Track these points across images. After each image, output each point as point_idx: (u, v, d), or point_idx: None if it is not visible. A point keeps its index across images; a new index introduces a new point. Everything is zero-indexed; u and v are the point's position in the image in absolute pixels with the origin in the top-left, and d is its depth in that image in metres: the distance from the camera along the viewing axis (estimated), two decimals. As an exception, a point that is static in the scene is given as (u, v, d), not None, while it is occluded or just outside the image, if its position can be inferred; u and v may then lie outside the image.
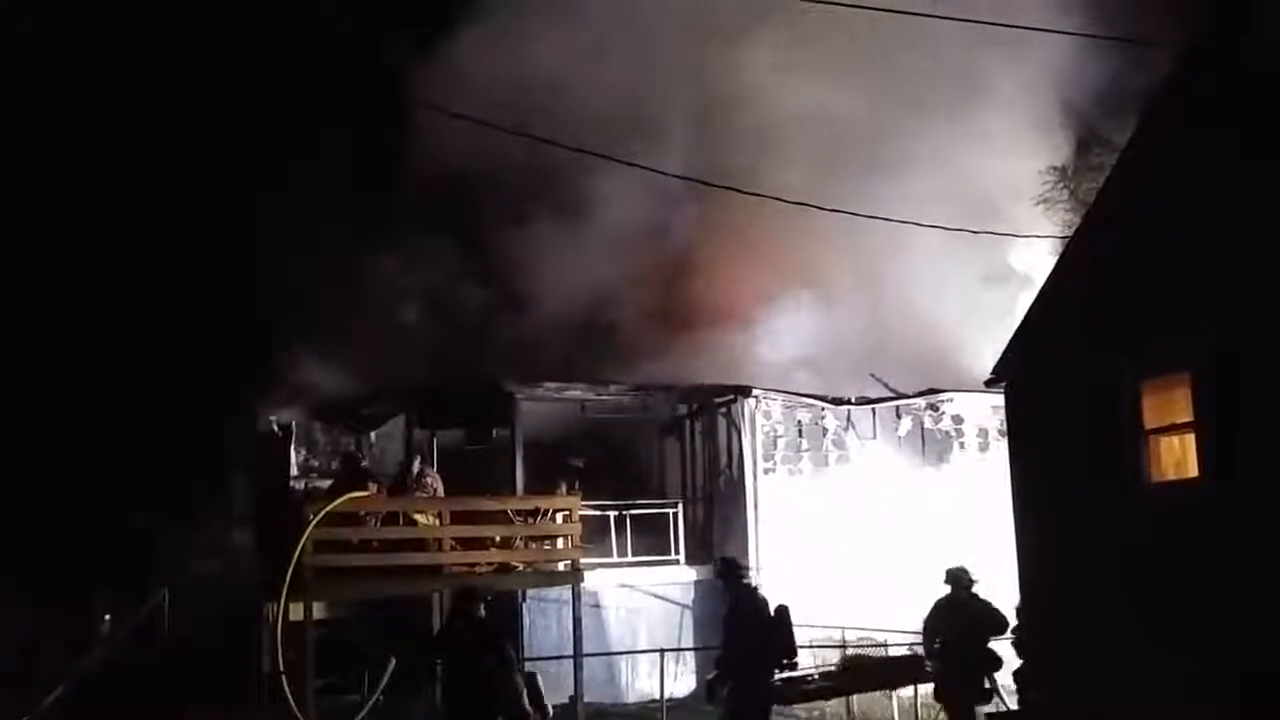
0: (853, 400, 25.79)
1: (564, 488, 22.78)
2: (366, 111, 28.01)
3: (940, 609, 16.92)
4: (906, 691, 20.20)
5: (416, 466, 21.78)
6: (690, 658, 23.60)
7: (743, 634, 15.20)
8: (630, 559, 24.30)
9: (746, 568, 16.66)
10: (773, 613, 15.40)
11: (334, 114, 28.03)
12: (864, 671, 21.18)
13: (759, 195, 20.70)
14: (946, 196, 24.36)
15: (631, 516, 24.55)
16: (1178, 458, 14.89)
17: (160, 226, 27.39)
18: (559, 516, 21.74)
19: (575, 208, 27.65)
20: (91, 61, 27.57)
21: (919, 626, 17.82)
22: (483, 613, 14.70)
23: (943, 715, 18.17)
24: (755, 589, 15.99)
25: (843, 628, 22.80)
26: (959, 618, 16.70)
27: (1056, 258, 16.98)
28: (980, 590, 16.98)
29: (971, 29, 17.75)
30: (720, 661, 15.48)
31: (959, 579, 16.93)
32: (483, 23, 28.63)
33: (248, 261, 27.10)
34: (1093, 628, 15.35)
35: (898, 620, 20.96)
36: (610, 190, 26.13)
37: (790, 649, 15.43)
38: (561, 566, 21.64)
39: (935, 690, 17.20)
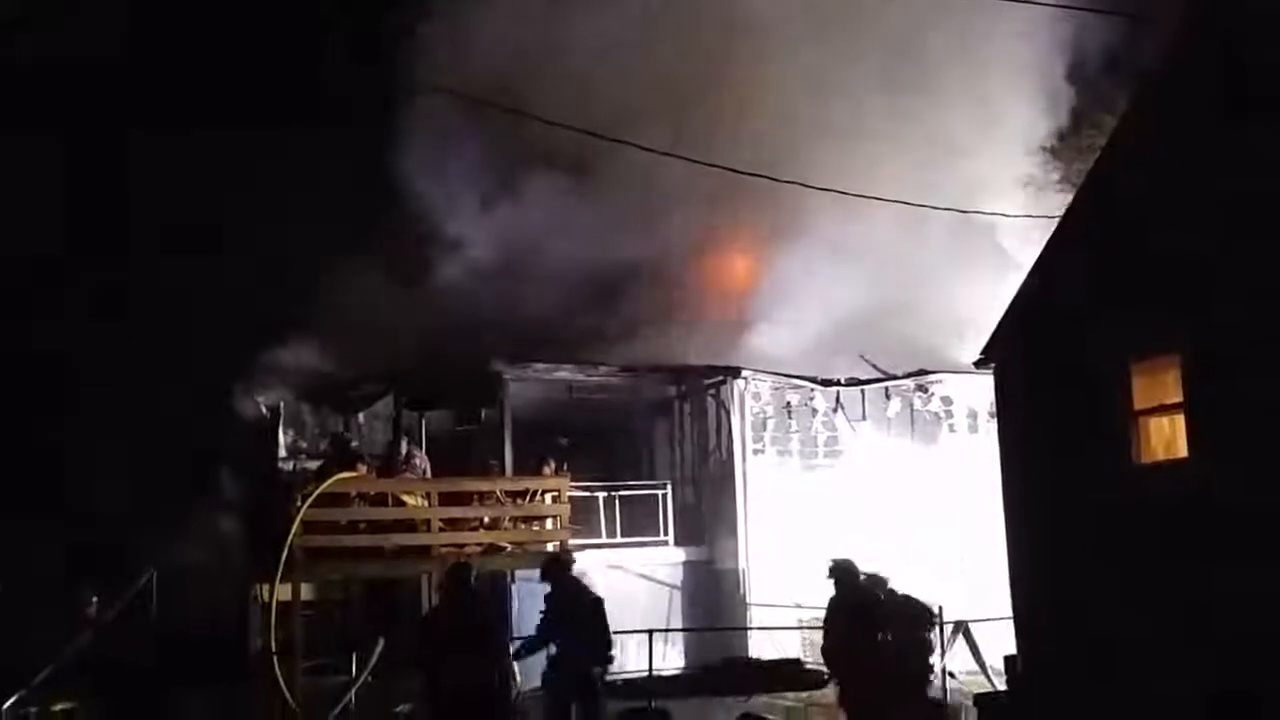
0: (842, 381, 25.73)
1: (550, 467, 22.81)
2: (356, 90, 27.98)
3: (839, 608, 15.34)
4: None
5: (404, 448, 21.79)
6: (679, 638, 23.63)
7: (562, 627, 15.18)
8: (619, 540, 24.32)
9: (572, 562, 16.54)
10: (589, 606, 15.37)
11: (323, 92, 28.01)
12: (731, 674, 21.28)
13: (747, 174, 20.72)
14: (936, 177, 24.39)
15: (620, 497, 24.58)
16: (1167, 438, 14.92)
17: (149, 207, 27.37)
18: (548, 497, 21.76)
19: (567, 188, 27.61)
20: (81, 51, 27.53)
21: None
22: (473, 591, 14.65)
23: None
24: (579, 581, 15.94)
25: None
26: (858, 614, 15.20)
27: (1046, 239, 16.94)
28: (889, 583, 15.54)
29: (966, 7, 17.73)
30: (528, 648, 15.41)
31: (848, 571, 15.39)
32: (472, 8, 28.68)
33: (235, 242, 27.09)
34: (1082, 607, 15.39)
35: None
36: (602, 170, 26.10)
37: (606, 643, 15.40)
38: (550, 547, 21.66)
39: (840, 696, 15.57)
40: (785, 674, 21.58)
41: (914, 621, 15.41)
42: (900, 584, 15.69)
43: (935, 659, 15.94)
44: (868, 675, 14.90)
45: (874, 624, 15.06)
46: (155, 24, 28.04)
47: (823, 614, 15.70)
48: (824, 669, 17.15)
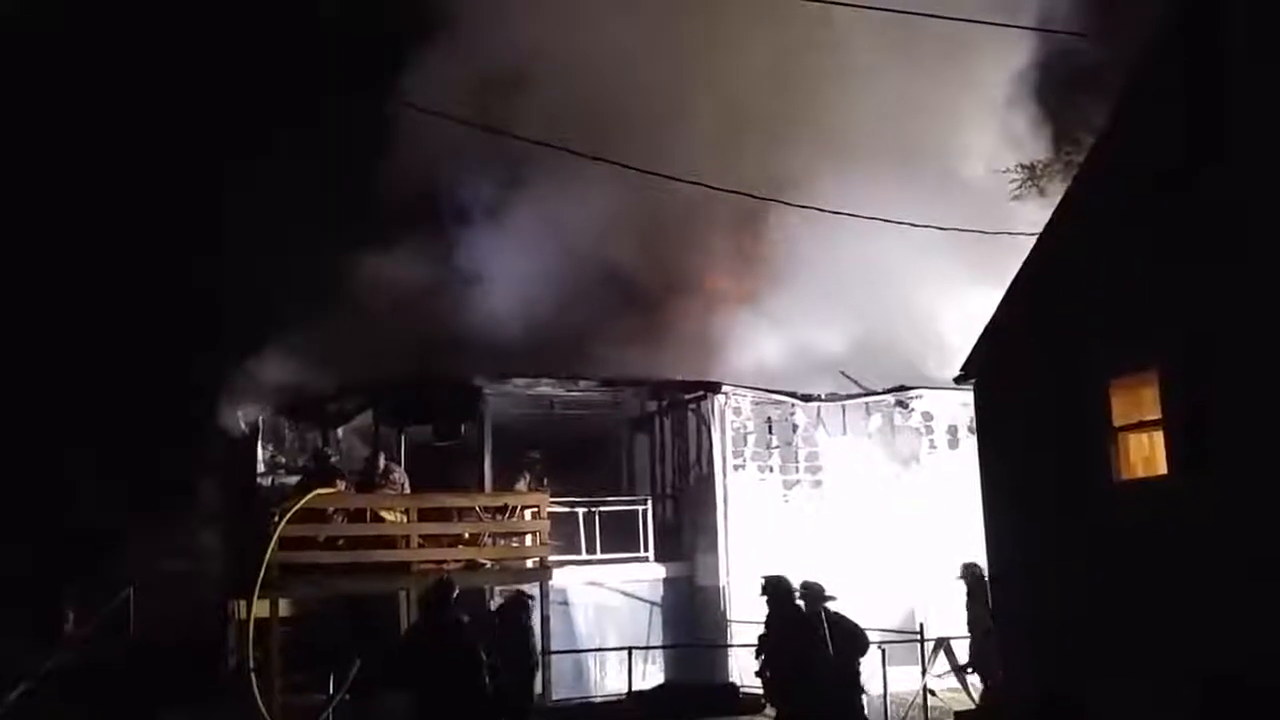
0: (822, 397, 25.74)
1: (524, 480, 22.74)
2: (335, 105, 27.91)
3: (774, 627, 15.47)
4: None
5: (382, 463, 21.73)
6: (659, 655, 23.58)
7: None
8: (599, 556, 24.23)
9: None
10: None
11: (305, 108, 27.95)
12: (664, 700, 21.20)
13: (727, 191, 20.70)
14: (916, 192, 24.39)
15: (601, 513, 24.48)
16: (1146, 454, 14.94)
17: (127, 220, 27.28)
18: (527, 513, 21.71)
19: (548, 202, 27.56)
20: (60, 57, 27.48)
21: (886, 624, 17.81)
22: (454, 609, 14.58)
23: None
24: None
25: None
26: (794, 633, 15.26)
27: (1025, 255, 16.94)
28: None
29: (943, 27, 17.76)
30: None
31: (782, 588, 15.48)
32: (454, 20, 28.64)
33: (214, 255, 27.01)
34: (1062, 622, 15.38)
35: (868, 618, 20.92)
36: (581, 184, 26.03)
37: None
38: (530, 563, 21.62)
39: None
40: (721, 699, 21.45)
41: (851, 639, 15.38)
42: (838, 603, 15.68)
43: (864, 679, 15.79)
44: (805, 698, 14.84)
45: (813, 643, 15.00)
46: (143, 23, 27.95)
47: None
48: (761, 692, 17.03)
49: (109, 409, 25.29)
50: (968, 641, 20.05)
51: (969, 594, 18.82)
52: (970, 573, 18.56)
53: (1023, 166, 28.11)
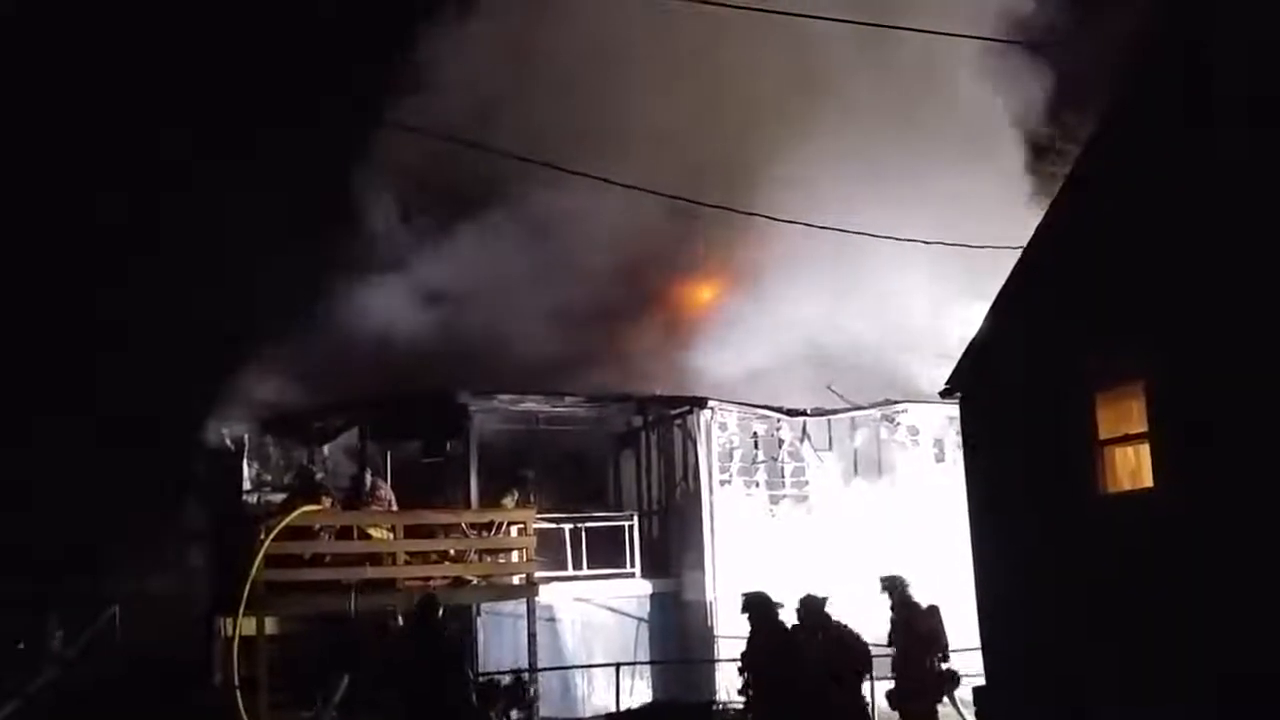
0: (808, 412, 25.74)
1: (512, 497, 22.69)
2: (319, 118, 27.90)
3: (758, 646, 15.46)
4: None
5: (368, 480, 21.68)
6: (646, 671, 23.53)
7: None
8: (586, 572, 24.18)
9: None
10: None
11: (286, 120, 27.93)
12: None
13: (710, 206, 20.73)
14: (900, 206, 24.44)
15: (587, 529, 24.44)
16: (1133, 468, 14.94)
17: (110, 236, 27.22)
18: (514, 529, 21.68)
19: (532, 216, 27.57)
20: (51, 64, 27.45)
21: (873, 638, 17.75)
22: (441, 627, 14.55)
23: None
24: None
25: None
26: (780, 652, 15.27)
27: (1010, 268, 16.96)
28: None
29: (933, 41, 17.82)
30: None
31: (764, 604, 15.43)
32: (439, 35, 28.69)
33: (199, 271, 26.95)
34: (1050, 637, 15.38)
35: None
36: (565, 201, 26.06)
37: None
38: (516, 580, 21.59)
39: None
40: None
41: (847, 654, 15.32)
42: (838, 613, 15.69)
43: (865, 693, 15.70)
44: (789, 715, 14.79)
45: (798, 662, 14.95)
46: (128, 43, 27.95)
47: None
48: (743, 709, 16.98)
49: (94, 425, 25.21)
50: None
51: (893, 608, 17.81)
52: (894, 584, 17.63)
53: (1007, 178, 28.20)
